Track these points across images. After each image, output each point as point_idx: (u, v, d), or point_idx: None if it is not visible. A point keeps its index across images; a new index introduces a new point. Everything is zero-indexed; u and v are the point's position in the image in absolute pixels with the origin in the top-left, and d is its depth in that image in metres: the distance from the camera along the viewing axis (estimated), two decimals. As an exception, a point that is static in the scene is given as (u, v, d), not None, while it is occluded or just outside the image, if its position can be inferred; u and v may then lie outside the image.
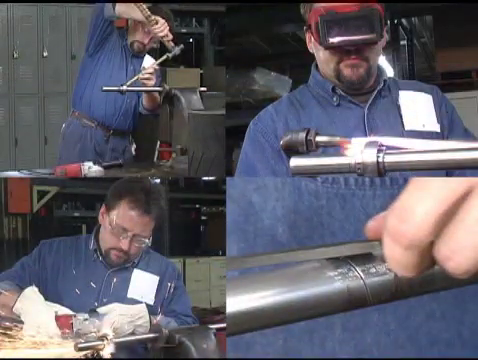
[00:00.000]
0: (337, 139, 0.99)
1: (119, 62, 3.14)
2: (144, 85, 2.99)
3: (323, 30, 1.60)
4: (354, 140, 0.93)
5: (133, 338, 1.63)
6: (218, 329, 1.62)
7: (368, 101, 1.70)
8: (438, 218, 0.60)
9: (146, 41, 3.13)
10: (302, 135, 1.03)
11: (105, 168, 2.69)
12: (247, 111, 4.98)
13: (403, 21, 6.44)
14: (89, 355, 1.46)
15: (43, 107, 5.85)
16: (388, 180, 1.14)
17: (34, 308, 1.62)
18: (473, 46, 5.50)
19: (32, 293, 1.68)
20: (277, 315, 0.68)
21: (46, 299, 1.68)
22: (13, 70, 5.70)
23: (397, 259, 0.64)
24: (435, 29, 6.17)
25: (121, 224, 1.88)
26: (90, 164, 2.65)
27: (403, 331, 1.14)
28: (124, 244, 1.89)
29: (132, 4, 2.90)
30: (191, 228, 8.04)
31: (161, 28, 2.93)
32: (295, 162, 1.00)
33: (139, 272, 1.97)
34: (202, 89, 2.95)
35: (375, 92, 1.71)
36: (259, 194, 1.14)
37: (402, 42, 6.49)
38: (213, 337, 1.59)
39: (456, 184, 0.60)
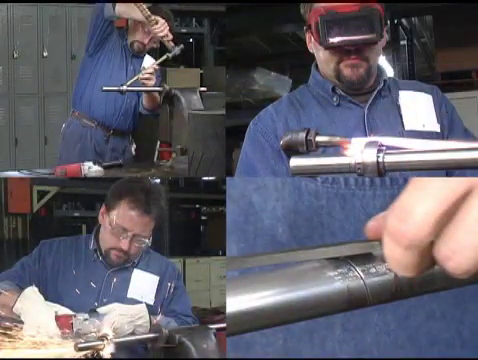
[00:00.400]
0: (337, 139, 0.99)
1: (119, 62, 3.14)
2: (144, 85, 2.99)
3: (323, 30, 1.60)
4: (354, 140, 0.93)
5: (133, 338, 1.63)
6: (218, 329, 1.62)
7: (368, 101, 1.70)
8: (438, 218, 0.60)
9: (146, 41, 3.13)
10: (302, 135, 1.03)
11: (105, 168, 2.69)
12: (247, 111, 4.98)
13: (403, 21, 6.43)
14: (89, 355, 1.46)
15: (43, 107, 5.85)
16: (388, 180, 1.14)
17: (34, 308, 1.62)
18: (473, 46, 5.49)
19: (32, 293, 1.68)
20: (277, 315, 0.68)
21: (46, 299, 1.68)
22: (13, 70, 5.70)
23: (397, 259, 0.64)
24: (435, 29, 6.17)
25: (121, 224, 1.88)
26: (90, 164, 2.65)
27: (403, 331, 1.14)
28: (124, 244, 1.89)
29: (132, 4, 2.89)
30: (191, 228, 8.04)
31: (161, 28, 2.93)
32: (295, 162, 1.00)
33: (139, 272, 1.97)
34: (202, 89, 2.95)
35: (375, 92, 1.71)
36: (259, 194, 1.14)
37: (402, 42, 6.48)
38: (213, 337, 1.59)
39: (456, 184, 0.60)
